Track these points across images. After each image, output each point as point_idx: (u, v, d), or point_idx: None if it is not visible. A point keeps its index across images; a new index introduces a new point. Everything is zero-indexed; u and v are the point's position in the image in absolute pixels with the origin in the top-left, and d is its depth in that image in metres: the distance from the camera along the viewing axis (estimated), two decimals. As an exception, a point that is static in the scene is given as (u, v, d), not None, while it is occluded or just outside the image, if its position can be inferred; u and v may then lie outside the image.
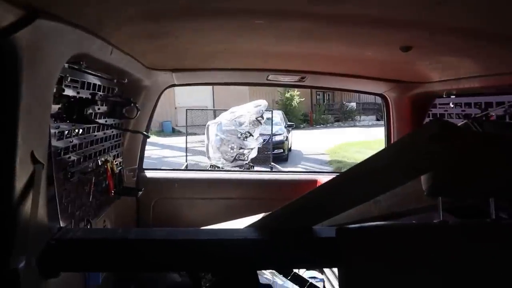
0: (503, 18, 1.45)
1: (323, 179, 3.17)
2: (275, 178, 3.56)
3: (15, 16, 1.05)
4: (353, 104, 27.76)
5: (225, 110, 9.75)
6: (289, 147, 14.35)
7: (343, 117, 26.98)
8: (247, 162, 8.94)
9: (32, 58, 1.17)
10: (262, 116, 9.01)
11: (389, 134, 3.37)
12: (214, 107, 19.17)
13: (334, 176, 1.95)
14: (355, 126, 24.49)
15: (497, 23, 1.53)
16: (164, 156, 14.01)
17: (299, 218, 1.59)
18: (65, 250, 1.46)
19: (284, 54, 2.50)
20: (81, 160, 2.02)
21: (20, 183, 1.22)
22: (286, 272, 2.32)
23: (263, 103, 9.14)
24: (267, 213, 1.82)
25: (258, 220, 1.73)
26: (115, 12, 1.48)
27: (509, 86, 2.20)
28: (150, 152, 13.67)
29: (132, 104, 2.55)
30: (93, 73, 1.98)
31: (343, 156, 14.93)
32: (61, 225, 1.67)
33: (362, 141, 17.11)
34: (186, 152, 11.24)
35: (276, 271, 2.47)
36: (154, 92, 3.00)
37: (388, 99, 3.29)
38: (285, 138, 13.63)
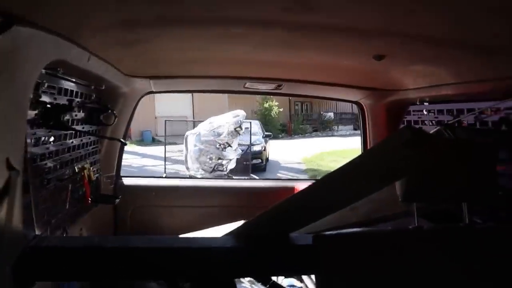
0: (471, 28, 1.51)
1: (300, 186, 3.20)
2: (253, 186, 3.58)
3: None
4: (331, 114, 28.17)
5: (202, 121, 9.76)
6: (266, 157, 14.47)
7: (321, 127, 27.33)
8: (225, 172, 8.92)
9: (8, 64, 1.17)
10: (240, 127, 9.03)
11: (365, 141, 3.42)
12: (193, 117, 19.22)
13: (311, 183, 1.97)
14: (332, 135, 24.87)
15: (466, 33, 1.59)
16: (144, 164, 14.05)
17: (276, 225, 1.60)
18: (40, 259, 1.44)
19: (261, 62, 2.53)
20: (58, 167, 2.00)
21: None
22: (264, 280, 2.32)
23: (241, 113, 9.16)
24: (245, 221, 1.83)
25: (236, 228, 1.73)
26: (92, 20, 1.48)
27: (479, 94, 2.27)
28: (131, 161, 13.99)
29: (109, 111, 2.53)
30: (70, 79, 1.96)
31: (318, 164, 15.31)
32: (37, 232, 1.64)
33: (338, 150, 17.49)
34: (165, 163, 11.17)
35: (254, 279, 2.47)
36: (132, 99, 2.98)
37: (364, 106, 3.34)
38: (263, 148, 13.69)
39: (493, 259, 1.48)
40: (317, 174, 12.94)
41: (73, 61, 1.68)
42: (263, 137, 14.33)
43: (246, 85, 3.04)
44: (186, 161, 8.92)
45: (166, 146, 11.65)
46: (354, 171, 1.44)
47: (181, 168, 10.99)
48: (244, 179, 6.59)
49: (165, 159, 11.18)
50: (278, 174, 13.77)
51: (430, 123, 2.81)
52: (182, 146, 9.70)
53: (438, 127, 2.52)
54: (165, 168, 10.83)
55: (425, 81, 2.51)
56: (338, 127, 27.23)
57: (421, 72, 2.41)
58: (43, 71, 1.58)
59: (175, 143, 13.94)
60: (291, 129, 25.87)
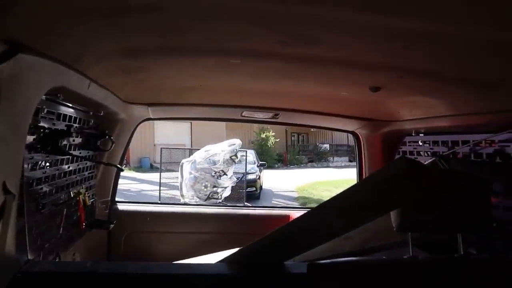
0: (466, 63, 1.55)
1: (295, 214, 3.19)
2: (247, 213, 3.56)
3: None
4: (327, 146, 28.49)
5: (198, 149, 9.78)
6: (260, 185, 14.64)
7: (317, 158, 27.51)
8: (220, 200, 8.87)
9: (10, 90, 1.19)
10: (236, 155, 9.02)
11: (360, 171, 3.43)
12: (191, 145, 19.42)
13: (306, 211, 1.97)
14: (328, 166, 25.00)
15: (460, 68, 1.62)
16: (142, 189, 14.14)
17: (270, 253, 1.59)
18: (32, 284, 1.42)
19: (259, 91, 2.56)
20: (53, 191, 2.00)
21: None
22: None
23: (237, 142, 9.18)
24: (239, 248, 1.82)
25: (230, 255, 1.72)
26: (93, 48, 1.51)
27: (474, 126, 2.30)
28: (130, 186, 14.29)
29: (107, 137, 2.54)
30: (70, 105, 1.98)
31: (310, 193, 15.61)
32: (29, 257, 1.63)
33: (332, 180, 17.67)
34: (160, 189, 11.14)
35: None
36: (130, 125, 3.00)
37: (360, 136, 3.37)
38: (257, 177, 13.85)
39: None
40: (307, 202, 13.58)
41: (74, 88, 1.70)
42: (257, 166, 14.51)
43: (243, 114, 3.07)
44: (181, 188, 8.87)
45: (164, 173, 11.63)
46: (349, 200, 1.44)
47: (177, 193, 10.98)
48: (239, 206, 6.55)
49: (160, 185, 11.14)
50: (272, 202, 13.91)
51: (426, 154, 2.83)
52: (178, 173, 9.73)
53: (433, 158, 2.54)
54: (159, 195, 10.79)
55: (421, 112, 2.55)
56: (333, 158, 27.44)
57: (417, 104, 2.44)
58: (44, 97, 1.60)
59: (172, 170, 13.94)
60: (287, 159, 26.07)
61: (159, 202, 8.11)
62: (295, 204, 13.49)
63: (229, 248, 2.53)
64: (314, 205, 11.99)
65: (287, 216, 3.25)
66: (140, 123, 3.10)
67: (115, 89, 2.23)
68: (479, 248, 2.11)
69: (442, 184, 1.50)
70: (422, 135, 2.86)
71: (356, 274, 1.51)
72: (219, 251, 2.70)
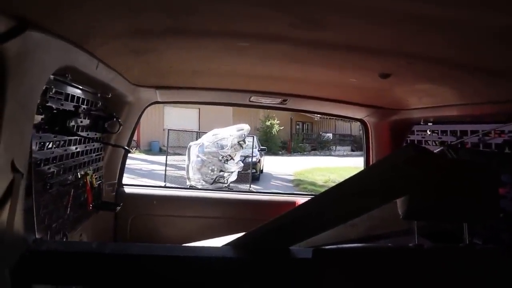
0: (476, 50, 1.52)
1: (301, 201, 3.19)
2: (254, 199, 3.57)
3: (6, 26, 1.07)
4: (330, 135, 29.07)
5: (206, 132, 9.82)
6: (261, 168, 15.61)
7: (320, 147, 28.16)
8: (226, 185, 8.89)
9: (19, 68, 1.19)
10: (244, 140, 9.03)
11: (367, 159, 3.42)
12: (199, 130, 19.82)
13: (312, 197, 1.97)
14: (330, 155, 25.65)
15: (471, 55, 1.60)
16: (153, 169, 14.75)
17: (276, 238, 1.60)
18: (39, 262, 1.44)
19: (267, 76, 2.54)
20: (61, 172, 2.01)
21: None
22: None
23: (245, 127, 9.15)
24: (245, 233, 1.83)
25: (236, 239, 1.73)
26: (102, 27, 1.51)
27: (484, 116, 2.27)
28: (141, 166, 15.47)
29: (114, 119, 2.55)
30: (78, 86, 1.98)
31: (306, 177, 16.57)
32: (37, 236, 1.64)
33: (330, 167, 18.50)
34: (165, 170, 11.22)
35: None
36: (137, 108, 3.00)
37: (368, 124, 3.35)
38: (258, 160, 14.66)
39: (492, 281, 1.47)
40: (301, 183, 15.02)
41: (82, 68, 1.70)
42: (258, 150, 15.20)
43: (251, 99, 3.06)
44: (188, 171, 8.88)
45: (172, 156, 11.73)
46: (355, 186, 1.44)
47: (184, 174, 11.22)
48: (245, 191, 6.57)
49: (165, 165, 11.25)
50: (270, 182, 15.17)
51: (434, 144, 2.81)
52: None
53: (441, 148, 2.53)
54: (165, 174, 10.85)
55: (430, 101, 2.52)
56: (336, 147, 27.96)
57: (426, 92, 2.42)
58: (52, 76, 1.60)
59: (180, 154, 14.67)
60: (291, 147, 26.70)
61: (165, 185, 8.12)
62: (290, 185, 14.54)
63: (235, 233, 2.55)
64: (306, 186, 12.76)
65: (293, 203, 3.25)
66: (148, 106, 3.10)
67: (123, 71, 2.23)
68: (485, 239, 2.11)
69: (450, 173, 1.49)
70: (431, 124, 2.84)
71: (361, 260, 1.51)
72: (224, 235, 2.71)
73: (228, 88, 2.96)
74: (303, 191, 14.53)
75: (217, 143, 8.77)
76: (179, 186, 7.51)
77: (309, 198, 1.77)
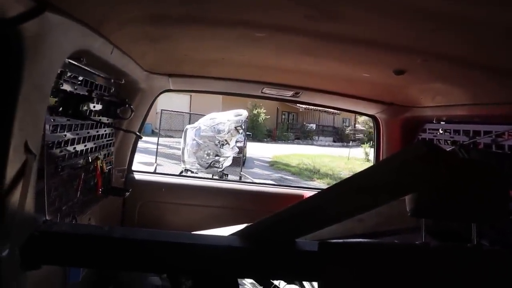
0: (491, 50, 1.51)
1: (309, 194, 3.19)
2: (262, 191, 3.58)
3: (25, 6, 1.08)
4: (313, 126, 30.85)
5: (199, 114, 9.86)
6: (244, 154, 16.46)
7: (303, 136, 29.86)
8: (221, 169, 8.84)
9: (35, 50, 1.20)
10: (241, 126, 8.95)
11: (378, 156, 3.41)
12: (190, 112, 21.41)
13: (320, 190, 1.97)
14: (312, 144, 27.60)
15: (486, 55, 1.59)
16: (148, 147, 15.38)
17: (282, 230, 1.60)
18: (48, 243, 1.46)
19: (281, 68, 2.54)
20: (72, 155, 2.03)
21: (11, 171, 1.23)
22: (266, 284, 2.32)
23: (244, 113, 9.06)
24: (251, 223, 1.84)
25: (242, 229, 1.74)
26: (119, 12, 1.51)
27: (497, 116, 2.25)
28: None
29: (127, 105, 2.56)
30: (92, 70, 1.99)
31: (282, 159, 19.28)
32: (47, 218, 1.67)
33: (307, 154, 20.75)
34: (157, 154, 11.81)
35: (256, 281, 2.47)
36: (150, 95, 3.02)
37: (379, 121, 3.33)
38: (244, 145, 15.07)
39: (499, 283, 1.47)
40: (275, 163, 18.22)
41: (97, 52, 1.70)
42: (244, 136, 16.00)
43: (264, 90, 3.05)
44: (183, 154, 8.79)
45: (164, 138, 12.02)
46: (364, 181, 1.44)
47: (174, 152, 12.28)
48: (253, 182, 6.58)
49: (157, 144, 11.97)
50: (253, 163, 17.65)
51: (446, 143, 2.79)
52: (177, 139, 9.87)
53: (453, 147, 2.51)
54: (156, 159, 11.23)
55: (443, 99, 2.50)
56: (318, 137, 29.69)
57: (440, 91, 2.40)
58: (67, 60, 1.61)
59: (171, 136, 16.46)
60: (276, 135, 28.48)
61: (172, 173, 8.20)
62: (267, 164, 17.27)
63: (241, 224, 2.56)
64: (280, 166, 15.17)
65: (301, 196, 3.26)
66: (160, 93, 3.11)
67: (137, 57, 2.23)
68: (492, 240, 2.09)
69: (461, 173, 1.48)
70: (443, 123, 2.82)
71: (367, 255, 1.51)
72: (231, 225, 2.73)
73: (241, 78, 2.96)
74: (276, 170, 17.31)
75: (214, 127, 8.66)
76: (188, 175, 7.52)
77: (317, 192, 1.77)
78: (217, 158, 8.70)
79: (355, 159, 21.08)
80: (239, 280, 2.29)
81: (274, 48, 1.98)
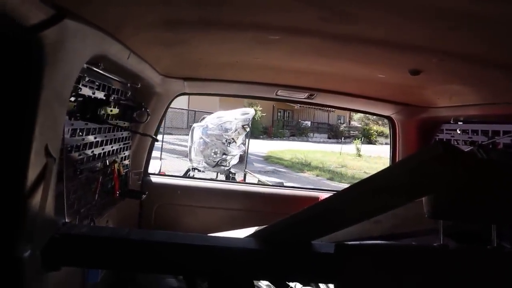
0: (509, 48, 1.49)
1: (325, 196, 3.18)
2: (277, 193, 3.58)
3: (45, 14, 1.10)
4: (308, 123, 31.61)
5: (200, 111, 9.93)
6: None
7: (298, 133, 30.65)
8: (228, 168, 8.80)
9: (55, 56, 1.22)
10: (248, 125, 8.87)
11: (394, 158, 3.38)
12: (189, 108, 22.48)
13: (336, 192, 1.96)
14: (307, 141, 28.44)
15: (504, 53, 1.56)
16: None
17: (298, 232, 1.60)
18: (68, 245, 1.48)
19: (295, 70, 2.54)
20: (90, 159, 2.06)
21: (32, 174, 1.26)
22: (281, 286, 2.32)
23: (250, 111, 8.98)
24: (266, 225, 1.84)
25: (257, 231, 1.74)
26: (135, 17, 1.53)
27: None
28: None
29: (143, 109, 2.59)
30: (109, 75, 2.02)
31: (276, 154, 20.46)
32: (66, 220, 1.69)
33: (301, 149, 21.61)
34: (162, 149, 11.94)
35: (272, 283, 2.47)
36: (165, 98, 3.04)
37: (395, 122, 3.31)
38: (243, 142, 15.76)
39: None
40: (269, 158, 19.56)
41: (114, 58, 1.73)
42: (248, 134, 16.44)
43: (278, 93, 3.06)
44: (190, 152, 8.71)
45: (164, 135, 12.26)
46: (380, 183, 1.43)
47: (175, 148, 13.12)
48: (269, 185, 6.58)
49: (162, 140, 12.06)
50: (248, 158, 18.23)
51: (463, 143, 2.76)
52: (177, 136, 9.93)
53: (471, 148, 2.48)
54: (160, 156, 11.29)
55: (460, 99, 2.47)
56: (313, 134, 30.48)
57: (457, 90, 2.37)
58: (85, 65, 1.64)
59: (170, 133, 17.48)
60: (271, 132, 29.20)
61: (189, 175, 8.22)
62: (261, 158, 18.34)
63: (257, 226, 2.56)
64: (274, 159, 15.78)
65: (317, 198, 3.25)
66: (175, 97, 3.14)
67: (153, 62, 2.26)
68: None
69: (480, 173, 1.46)
70: (461, 123, 2.78)
71: (385, 257, 1.50)
72: (246, 227, 2.73)
73: (255, 81, 2.97)
74: (270, 163, 18.42)
75: (221, 126, 8.55)
76: (203, 178, 7.55)
77: (333, 193, 1.76)
78: (224, 156, 8.65)
79: (347, 154, 22.23)
80: (255, 282, 2.30)
81: (288, 50, 1.99)
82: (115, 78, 2.13)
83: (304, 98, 3.14)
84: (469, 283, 1.44)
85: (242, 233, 2.56)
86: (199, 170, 8.52)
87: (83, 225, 1.90)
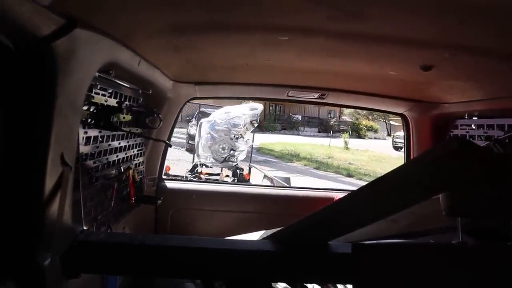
0: None
1: (340, 196, 3.16)
2: (292, 194, 3.57)
3: (56, 24, 1.12)
4: (299, 117, 32.17)
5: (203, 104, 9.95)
6: None
7: (289, 127, 31.25)
8: (236, 163, 8.77)
9: (68, 65, 1.24)
10: (257, 120, 8.84)
11: (408, 155, 3.35)
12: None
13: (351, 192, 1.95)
14: (298, 135, 29.12)
15: None
16: None
17: (314, 232, 1.59)
18: (87, 252, 1.50)
19: (305, 70, 2.53)
20: (105, 166, 2.08)
21: (50, 183, 1.28)
22: (299, 287, 2.31)
23: (259, 107, 8.91)
24: (282, 227, 1.83)
25: (274, 233, 1.74)
26: (145, 24, 1.55)
27: None
28: None
29: (155, 115, 2.61)
30: (121, 82, 2.04)
31: (267, 146, 21.18)
32: (84, 227, 1.71)
33: (291, 142, 22.78)
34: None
35: (289, 285, 2.46)
36: (177, 103, 3.06)
37: (409, 119, 3.28)
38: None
39: None
40: (261, 149, 19.79)
41: (125, 65, 1.75)
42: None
43: (289, 94, 3.06)
44: (197, 148, 8.66)
45: None
46: (396, 181, 1.41)
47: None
48: (283, 186, 6.55)
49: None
50: None
51: (479, 139, 2.72)
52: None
53: (487, 143, 2.44)
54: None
55: (474, 94, 2.44)
56: (304, 128, 30.98)
57: (470, 85, 2.35)
58: (97, 73, 1.65)
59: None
60: (263, 126, 29.17)
61: (196, 171, 8.24)
62: (254, 151, 18.34)
63: (272, 228, 2.56)
64: (265, 150, 16.22)
65: (331, 198, 3.23)
66: (187, 101, 3.15)
67: (164, 67, 2.27)
68: None
69: (497, 168, 1.43)
70: (476, 118, 2.75)
71: (403, 256, 1.48)
72: (261, 230, 2.73)
73: (266, 83, 2.97)
74: (262, 154, 18.95)
75: (229, 121, 8.53)
76: (217, 181, 7.54)
77: (348, 193, 1.75)
78: (232, 152, 8.62)
79: (335, 147, 23.18)
80: (272, 284, 2.29)
81: (298, 51, 1.98)
82: (126, 85, 2.14)
83: (315, 98, 3.14)
84: (489, 281, 1.42)
85: (257, 235, 2.56)
86: (206, 166, 8.51)
87: (100, 232, 1.92)
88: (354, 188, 2.44)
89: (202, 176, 8.04)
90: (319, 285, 2.53)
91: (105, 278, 2.01)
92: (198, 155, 8.66)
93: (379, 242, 1.52)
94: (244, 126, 8.52)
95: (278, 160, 18.61)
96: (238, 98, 3.74)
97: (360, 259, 1.47)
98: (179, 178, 6.34)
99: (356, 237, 1.69)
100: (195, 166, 8.63)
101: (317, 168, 17.86)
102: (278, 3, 1.35)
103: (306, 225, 1.59)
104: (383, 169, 17.19)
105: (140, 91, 2.37)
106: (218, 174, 8.21)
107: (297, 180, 12.08)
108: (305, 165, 18.36)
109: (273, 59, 2.26)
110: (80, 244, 1.48)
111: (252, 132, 10.11)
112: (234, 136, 8.49)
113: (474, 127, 2.79)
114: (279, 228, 1.75)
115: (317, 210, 1.55)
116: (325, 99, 3.11)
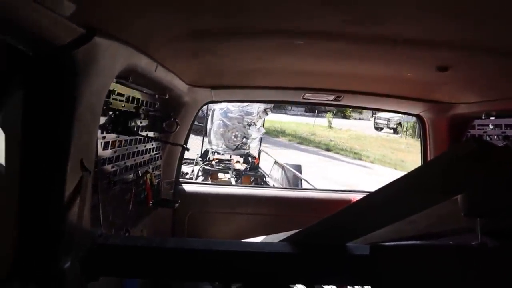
0: None
1: (357, 197, 3.15)
2: (309, 196, 3.56)
3: (76, 34, 1.15)
4: None
5: None
6: None
7: (276, 106, 32.98)
8: (248, 151, 8.72)
9: (87, 72, 1.27)
10: (270, 108, 8.79)
11: (425, 156, 3.32)
12: None
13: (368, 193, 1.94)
14: (285, 114, 29.29)
15: None
16: None
17: (332, 235, 1.59)
18: (106, 256, 1.52)
19: (321, 73, 2.53)
20: (123, 170, 2.10)
21: (70, 188, 1.30)
22: None
23: None
24: (300, 229, 1.83)
25: (291, 235, 1.74)
26: (162, 30, 1.57)
27: None
28: None
29: (172, 119, 2.64)
30: (138, 88, 2.07)
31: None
32: (103, 231, 1.74)
33: (278, 120, 23.65)
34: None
35: (307, 286, 2.46)
36: (193, 108, 3.08)
37: (425, 120, 3.25)
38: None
39: None
40: None
41: (142, 71, 1.77)
42: None
43: (305, 96, 3.06)
44: (209, 135, 8.52)
45: None
46: (413, 182, 1.41)
47: None
48: (299, 188, 6.54)
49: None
50: None
51: (497, 138, 2.68)
52: None
53: (505, 142, 2.41)
54: None
55: (492, 94, 2.41)
56: (291, 108, 31.21)
57: (487, 85, 2.32)
58: (114, 80, 1.68)
59: None
60: None
61: (208, 158, 8.25)
62: None
63: (290, 230, 2.55)
64: None
65: (349, 200, 3.22)
66: (203, 105, 3.18)
67: (180, 72, 2.30)
68: None
69: None
70: (493, 118, 2.71)
71: (422, 257, 1.48)
72: (279, 232, 2.73)
73: (281, 86, 2.97)
74: None
75: (243, 109, 8.47)
76: (234, 184, 7.55)
77: (366, 195, 1.75)
78: (244, 140, 8.58)
79: (319, 126, 25.25)
80: (290, 285, 2.29)
81: (314, 54, 1.99)
82: (143, 90, 2.17)
83: (331, 100, 3.13)
84: (509, 282, 1.40)
85: (275, 238, 2.56)
86: (218, 153, 8.52)
87: (119, 236, 1.94)
88: (355, 188, 2.42)
89: (213, 162, 8.08)
90: (337, 287, 2.53)
91: (124, 281, 2.04)
92: (209, 142, 8.61)
93: (398, 244, 1.51)
94: (257, 114, 8.46)
95: (265, 136, 19.08)
96: (253, 101, 3.75)
97: (378, 260, 1.46)
98: (194, 181, 6.37)
99: (373, 239, 1.68)
100: (206, 152, 8.62)
101: (300, 143, 20.53)
102: (294, 8, 1.36)
103: (324, 227, 1.59)
104: (360, 146, 19.90)
105: (157, 96, 2.40)
106: (229, 160, 8.22)
107: (282, 152, 13.85)
108: (289, 140, 20.96)
109: (288, 62, 2.27)
110: (99, 247, 1.50)
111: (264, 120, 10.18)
112: (247, 124, 8.45)
113: (491, 127, 2.76)
114: (296, 231, 1.75)
115: (334, 212, 1.56)
116: (340, 101, 3.11)
